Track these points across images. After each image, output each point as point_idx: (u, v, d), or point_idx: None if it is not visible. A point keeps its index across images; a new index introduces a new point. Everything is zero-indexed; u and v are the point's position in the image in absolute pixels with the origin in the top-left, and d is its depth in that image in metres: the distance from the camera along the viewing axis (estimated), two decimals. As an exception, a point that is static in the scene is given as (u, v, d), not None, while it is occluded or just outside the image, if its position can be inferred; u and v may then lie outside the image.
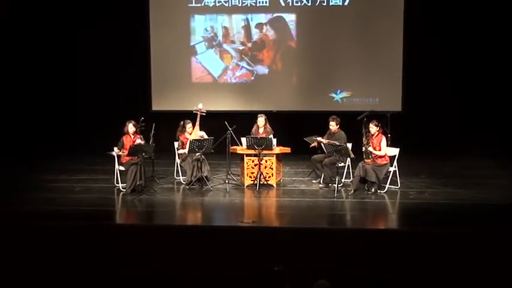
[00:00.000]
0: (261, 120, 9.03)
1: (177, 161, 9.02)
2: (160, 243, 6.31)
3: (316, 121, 9.54)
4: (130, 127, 8.52)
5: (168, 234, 6.68)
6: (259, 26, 11.33)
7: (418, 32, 10.80)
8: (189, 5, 11.32)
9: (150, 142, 8.57)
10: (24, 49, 11.39)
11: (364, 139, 8.25)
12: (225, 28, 11.40)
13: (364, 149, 8.24)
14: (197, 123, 9.01)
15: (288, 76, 11.45)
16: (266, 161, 8.61)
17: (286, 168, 9.59)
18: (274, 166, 8.62)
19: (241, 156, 8.82)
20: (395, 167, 8.38)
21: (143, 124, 8.71)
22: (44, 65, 11.55)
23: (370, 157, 8.18)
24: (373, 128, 8.25)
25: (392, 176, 8.35)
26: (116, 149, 8.48)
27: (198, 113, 9.07)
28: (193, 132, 8.89)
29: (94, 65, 11.50)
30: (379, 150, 8.19)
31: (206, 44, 11.48)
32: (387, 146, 8.38)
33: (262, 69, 11.43)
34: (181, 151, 8.86)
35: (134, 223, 7.42)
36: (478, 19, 10.72)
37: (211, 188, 8.53)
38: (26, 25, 11.33)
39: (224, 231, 6.86)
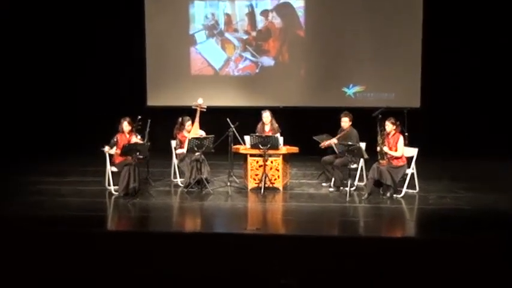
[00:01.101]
0: (267, 115, 9.04)
1: (175, 161, 9.05)
2: (155, 251, 6.32)
3: (327, 118, 9.58)
4: (125, 125, 8.52)
5: (164, 241, 6.68)
6: (265, 13, 11.34)
7: (438, 21, 10.82)
8: (188, -10, 11.38)
9: (145, 141, 8.57)
10: (21, 48, 11.53)
11: (379, 138, 8.23)
12: (227, 15, 11.40)
13: (378, 149, 8.22)
14: (197, 120, 9.02)
15: (296, 68, 11.46)
16: (272, 162, 8.63)
17: (293, 170, 9.63)
18: (280, 167, 8.63)
19: (244, 157, 8.84)
20: (413, 169, 8.36)
21: (140, 123, 8.70)
22: (42, 65, 11.72)
23: (385, 158, 8.16)
24: (389, 126, 8.21)
25: (410, 179, 8.33)
26: (107, 147, 8.43)
27: (198, 108, 9.08)
28: (193, 130, 8.90)
29: (85, 59, 11.65)
30: (395, 150, 8.16)
31: (206, 32, 11.50)
32: (404, 145, 8.36)
33: (267, 61, 11.44)
34: (179, 151, 8.88)
35: (127, 229, 7.43)
36: (502, 11, 10.69)
37: (211, 191, 8.55)
38: (24, 24, 11.49)
39: (226, 239, 6.86)
